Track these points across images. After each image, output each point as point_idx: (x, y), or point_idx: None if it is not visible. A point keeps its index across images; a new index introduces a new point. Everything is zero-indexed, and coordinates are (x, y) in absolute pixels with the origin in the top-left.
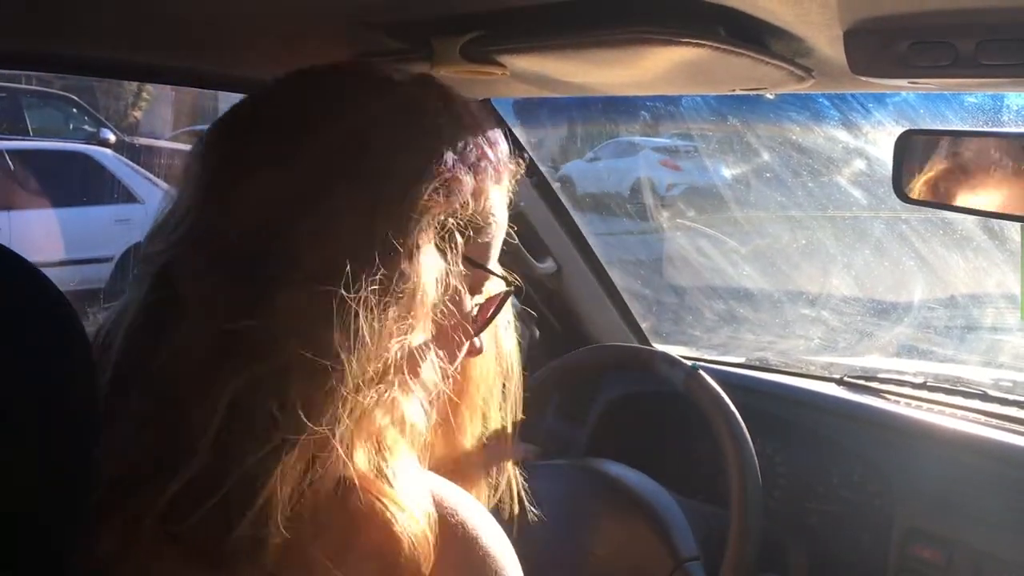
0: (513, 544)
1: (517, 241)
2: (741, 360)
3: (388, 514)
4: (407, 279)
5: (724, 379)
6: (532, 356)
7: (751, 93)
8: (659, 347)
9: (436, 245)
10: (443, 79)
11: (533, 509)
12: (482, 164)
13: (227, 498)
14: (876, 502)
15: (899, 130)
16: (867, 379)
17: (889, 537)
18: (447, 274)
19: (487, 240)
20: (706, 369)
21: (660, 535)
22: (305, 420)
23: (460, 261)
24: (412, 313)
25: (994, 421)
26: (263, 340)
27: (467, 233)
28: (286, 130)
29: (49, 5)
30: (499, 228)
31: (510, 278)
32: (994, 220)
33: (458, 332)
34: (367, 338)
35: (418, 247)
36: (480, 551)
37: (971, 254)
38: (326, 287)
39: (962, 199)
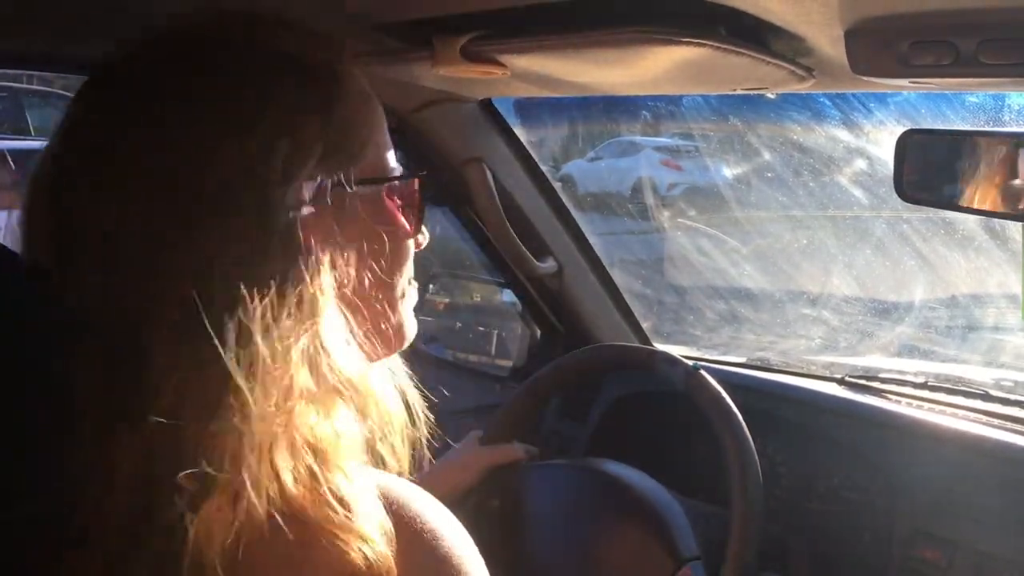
0: (513, 544)
1: (518, 239)
2: (742, 360)
3: (337, 543)
4: (300, 277)
5: (725, 379)
6: (533, 356)
7: (752, 93)
8: (660, 347)
9: (321, 215)
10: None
11: (533, 508)
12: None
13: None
14: (877, 502)
15: (900, 129)
16: (868, 379)
17: (891, 537)
18: (341, 246)
19: (373, 152)
20: (707, 369)
21: (661, 535)
22: (209, 470)
23: (355, 205)
24: (314, 310)
25: (996, 421)
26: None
27: (347, 173)
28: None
29: (52, 4)
30: (374, 125)
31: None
32: (995, 220)
33: (384, 258)
34: (268, 361)
35: (300, 228)
36: (446, 555)
37: (972, 254)
38: (208, 309)
39: (963, 199)
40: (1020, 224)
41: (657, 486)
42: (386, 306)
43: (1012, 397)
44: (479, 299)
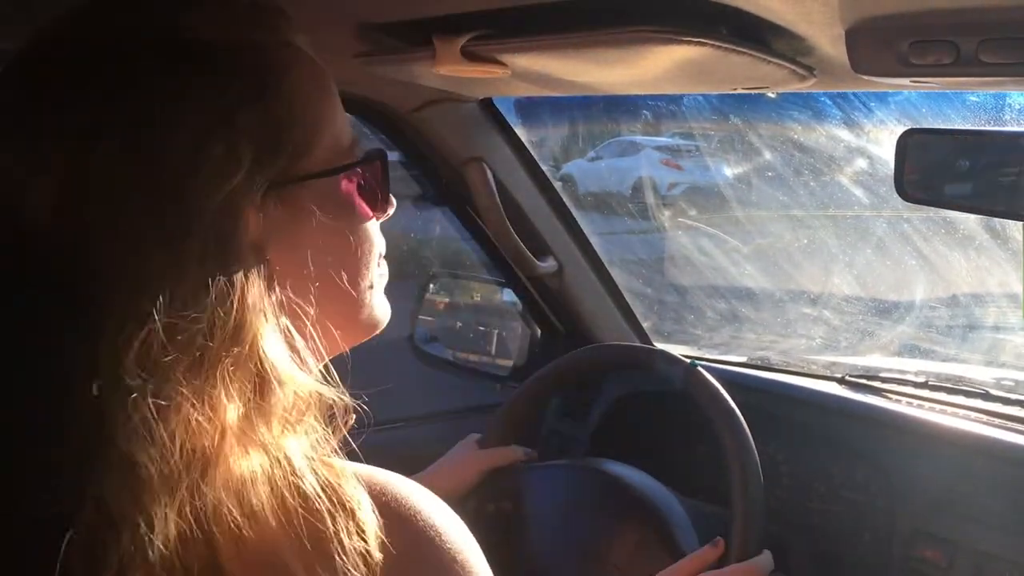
0: (513, 545)
1: (518, 239)
2: (743, 359)
3: (330, 548)
4: (228, 310)
5: (726, 378)
6: (533, 355)
7: (753, 92)
8: (661, 346)
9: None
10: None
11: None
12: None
13: None
14: (878, 502)
15: (900, 129)
16: (869, 378)
17: (891, 537)
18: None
19: (326, 139)
20: (708, 368)
21: (661, 533)
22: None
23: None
24: (244, 335)
25: (996, 420)
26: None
27: (294, 168)
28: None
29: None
30: (323, 109)
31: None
32: (996, 219)
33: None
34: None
35: (241, 240)
36: (449, 553)
37: (973, 253)
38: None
39: (964, 198)
40: (1020, 223)
41: (657, 485)
42: (357, 294)
43: (1013, 396)
44: (479, 299)
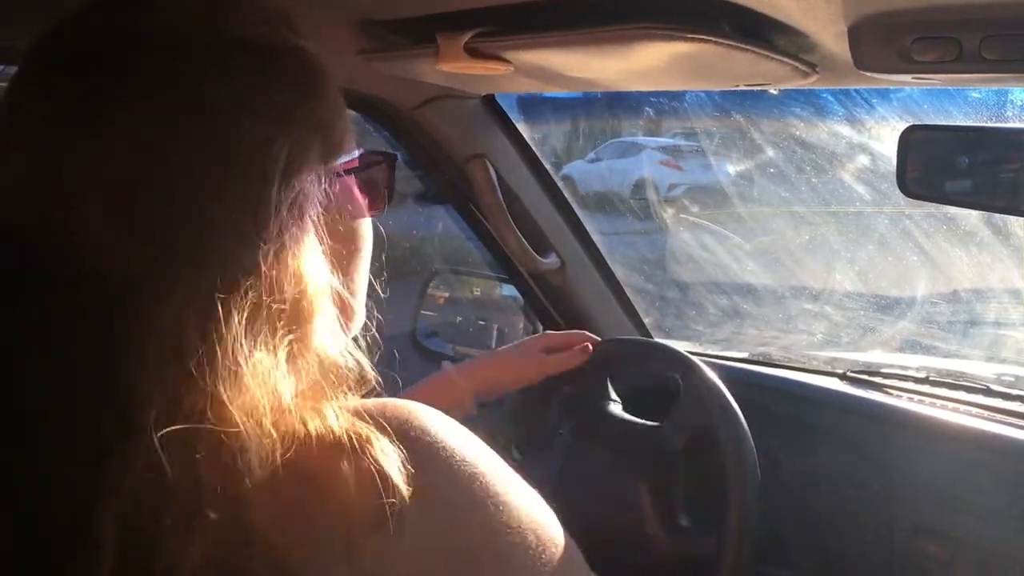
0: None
1: (520, 235)
2: (744, 355)
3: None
4: (288, 282)
5: (726, 374)
6: None
7: (755, 88)
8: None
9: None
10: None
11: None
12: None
13: None
14: (880, 497)
15: (902, 125)
16: (870, 374)
17: (893, 532)
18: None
19: (346, 148)
20: (709, 364)
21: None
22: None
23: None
24: (304, 313)
25: (998, 416)
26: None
27: (335, 163)
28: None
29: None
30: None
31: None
32: (997, 215)
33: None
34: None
35: (294, 233)
36: (471, 473)
37: (975, 249)
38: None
39: (965, 194)
40: (1022, 219)
41: None
42: (358, 292)
43: (1014, 392)
44: (481, 295)
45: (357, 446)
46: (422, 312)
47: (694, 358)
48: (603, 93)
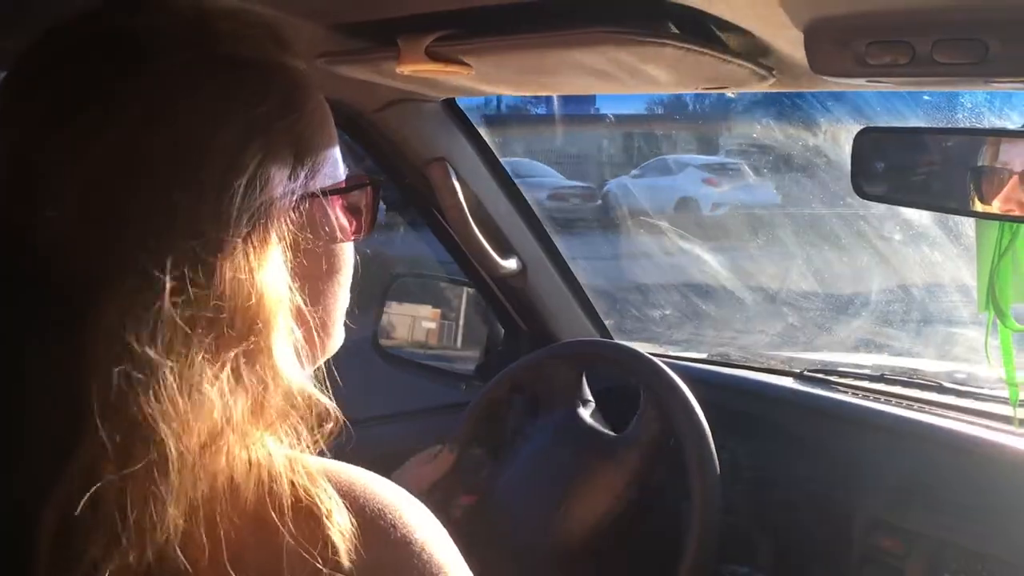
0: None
1: (482, 238)
2: (703, 355)
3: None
4: (242, 293)
5: (687, 374)
6: (498, 354)
7: (713, 91)
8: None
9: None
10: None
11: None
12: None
13: None
14: (838, 494)
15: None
16: (826, 373)
17: (851, 528)
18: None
19: (332, 155)
20: (670, 365)
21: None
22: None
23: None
24: (256, 325)
25: (950, 412)
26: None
27: (313, 180)
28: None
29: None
30: (331, 127)
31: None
32: (949, 215)
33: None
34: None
35: (257, 242)
36: (419, 548)
37: (927, 249)
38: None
39: (918, 195)
40: (972, 219)
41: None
42: (334, 314)
43: (965, 388)
44: (443, 298)
45: (304, 500)
46: (384, 317)
47: (656, 360)
48: (648, 109)
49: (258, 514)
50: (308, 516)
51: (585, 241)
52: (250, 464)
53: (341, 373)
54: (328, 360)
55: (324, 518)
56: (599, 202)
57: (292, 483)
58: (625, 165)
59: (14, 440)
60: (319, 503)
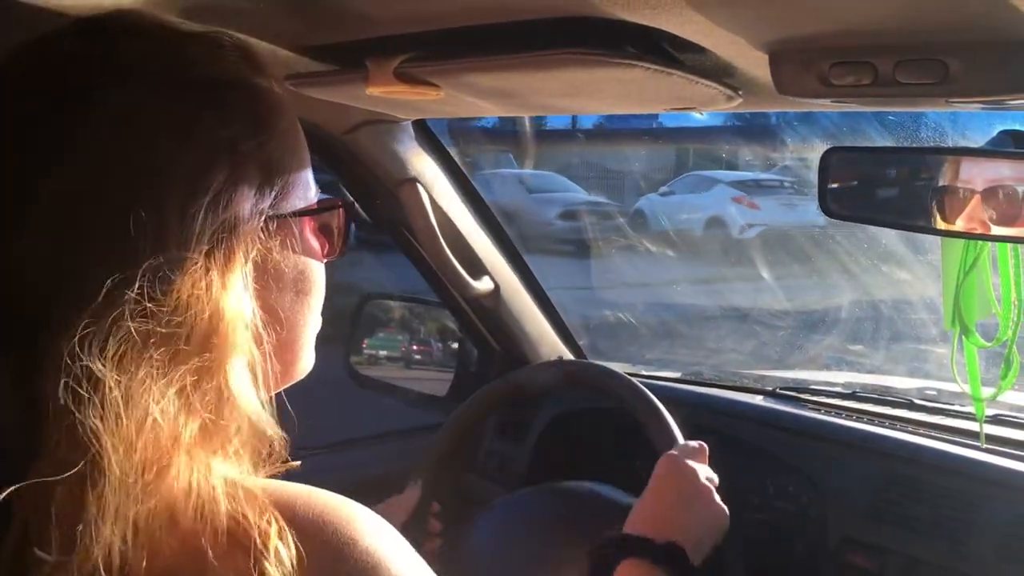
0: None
1: (453, 259)
2: (677, 375)
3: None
4: (199, 311)
5: (660, 393)
6: (470, 375)
7: (681, 111)
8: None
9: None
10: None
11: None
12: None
13: None
14: (810, 511)
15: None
16: (798, 391)
17: (824, 545)
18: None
19: (303, 176)
20: (643, 383)
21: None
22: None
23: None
24: (211, 342)
25: (921, 429)
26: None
27: (283, 202)
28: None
29: None
30: (303, 150)
31: (340, 200)
32: (916, 233)
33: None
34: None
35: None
36: (357, 554)
37: (895, 267)
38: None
39: (884, 213)
40: (939, 237)
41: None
42: (302, 336)
43: (935, 405)
44: (415, 319)
45: (241, 526)
46: (355, 339)
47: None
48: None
49: (193, 541)
50: (241, 546)
51: (586, 267)
52: (191, 487)
53: (313, 396)
54: (300, 383)
55: (259, 548)
56: (621, 220)
57: (231, 508)
58: (654, 182)
59: None
60: (254, 531)
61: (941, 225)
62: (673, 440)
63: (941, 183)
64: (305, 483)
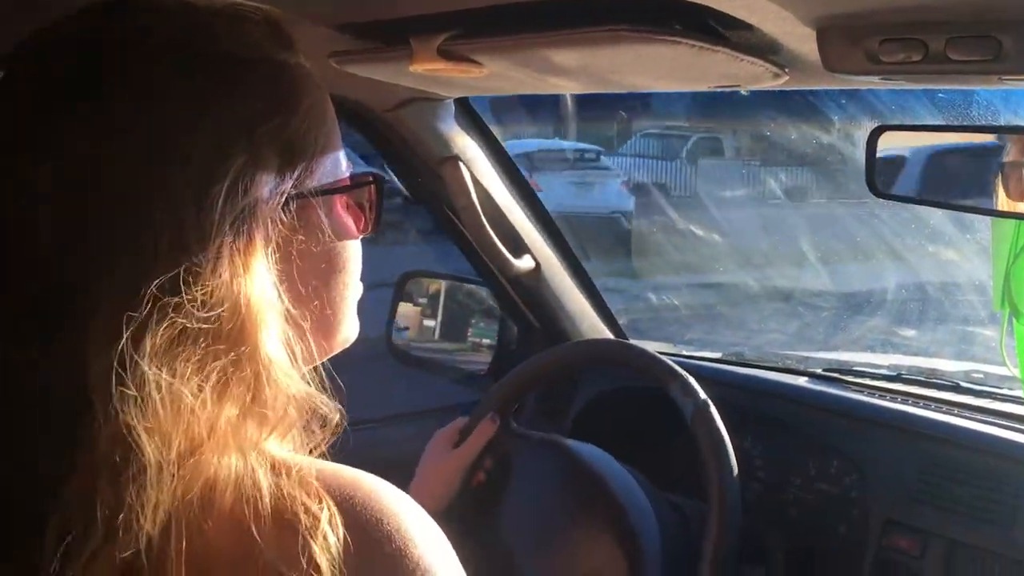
0: (487, 530)
1: (495, 237)
2: (718, 355)
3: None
4: (225, 300)
5: (700, 374)
6: (510, 352)
7: (727, 89)
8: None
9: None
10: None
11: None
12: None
13: None
14: (852, 494)
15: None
16: (842, 372)
17: (866, 527)
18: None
19: (330, 154)
20: (682, 364)
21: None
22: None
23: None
24: (248, 336)
25: (967, 412)
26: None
27: (305, 181)
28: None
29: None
30: (330, 126)
31: (370, 175)
32: (964, 214)
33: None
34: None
35: (241, 247)
36: (413, 569)
37: (943, 248)
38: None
39: (933, 193)
40: (988, 218)
41: (629, 485)
42: (341, 309)
43: (982, 388)
44: (455, 297)
45: (288, 509)
46: (396, 316)
47: (674, 364)
48: None
49: (237, 524)
50: (291, 527)
51: None
52: (231, 472)
53: (352, 373)
54: (338, 360)
55: (307, 531)
56: None
57: (278, 491)
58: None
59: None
60: (304, 513)
61: (1005, 205)
62: (695, 395)
63: (1004, 160)
64: (351, 458)
